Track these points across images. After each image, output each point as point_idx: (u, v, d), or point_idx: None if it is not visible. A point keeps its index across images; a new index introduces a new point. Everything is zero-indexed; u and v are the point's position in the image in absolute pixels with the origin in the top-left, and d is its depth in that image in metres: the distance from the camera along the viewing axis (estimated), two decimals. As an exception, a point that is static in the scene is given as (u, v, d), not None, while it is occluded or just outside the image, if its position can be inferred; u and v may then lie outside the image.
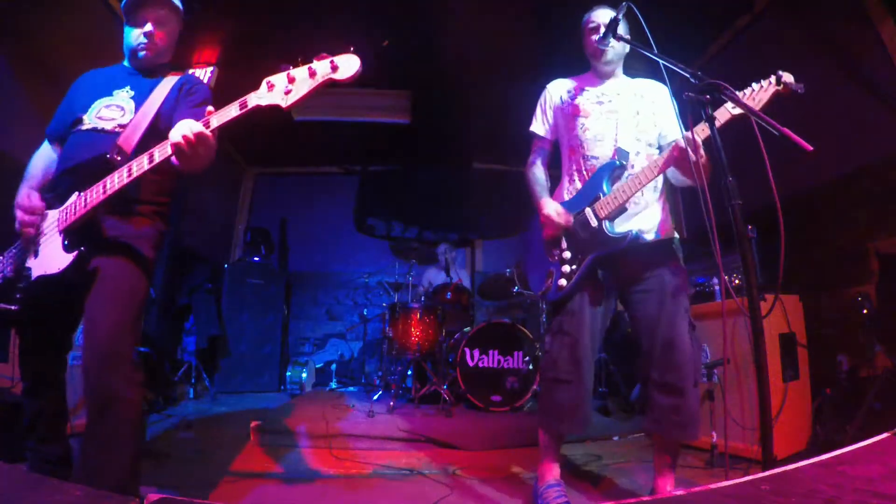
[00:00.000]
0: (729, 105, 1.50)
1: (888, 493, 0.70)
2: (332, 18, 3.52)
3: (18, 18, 2.59)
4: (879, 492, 0.71)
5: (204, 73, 3.83)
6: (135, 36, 1.61)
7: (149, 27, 1.60)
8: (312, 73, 1.21)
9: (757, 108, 1.45)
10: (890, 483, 0.76)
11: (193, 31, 3.48)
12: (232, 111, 1.27)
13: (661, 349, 1.63)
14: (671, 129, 1.86)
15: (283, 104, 1.23)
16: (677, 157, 1.55)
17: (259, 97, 1.25)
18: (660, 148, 1.87)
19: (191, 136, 1.24)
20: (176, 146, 1.25)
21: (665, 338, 1.63)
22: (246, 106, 1.26)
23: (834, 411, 2.34)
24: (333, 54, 1.22)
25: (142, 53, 1.62)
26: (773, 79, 1.49)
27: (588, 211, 1.72)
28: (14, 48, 2.60)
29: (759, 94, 1.46)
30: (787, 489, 0.76)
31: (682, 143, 1.50)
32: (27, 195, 1.50)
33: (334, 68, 1.20)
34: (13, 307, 1.40)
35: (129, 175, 1.32)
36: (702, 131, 1.46)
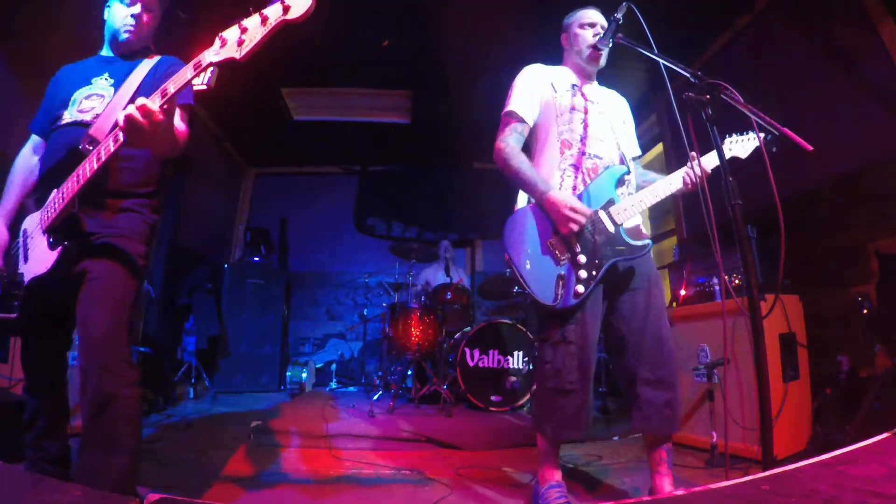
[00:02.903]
0: (731, 147, 1.70)
1: (888, 493, 0.70)
2: (333, 18, 3.52)
3: (18, 19, 2.59)
4: (879, 492, 0.71)
5: (204, 73, 3.82)
6: (122, 16, 1.58)
7: (138, 9, 1.58)
8: (264, 19, 1.12)
9: (743, 156, 1.69)
10: (890, 483, 0.76)
11: (193, 30, 3.50)
12: (187, 74, 1.20)
13: (651, 345, 1.65)
14: (634, 147, 1.96)
15: (238, 55, 1.14)
16: (688, 184, 1.67)
17: (213, 54, 1.16)
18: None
19: (135, 112, 1.18)
20: (123, 123, 1.19)
21: (654, 334, 1.65)
22: (200, 65, 1.18)
23: (834, 411, 2.34)
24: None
25: (124, 36, 1.59)
26: (761, 135, 1.55)
27: (603, 214, 1.65)
28: (14, 49, 2.61)
29: (745, 144, 1.69)
30: (787, 489, 0.76)
31: (695, 169, 1.57)
32: None
33: (286, 9, 1.10)
34: (13, 315, 1.39)
35: (99, 161, 1.28)
36: (710, 161, 1.63)
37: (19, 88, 2.62)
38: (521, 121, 1.81)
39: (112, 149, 1.26)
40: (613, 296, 1.73)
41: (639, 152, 1.97)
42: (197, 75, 1.19)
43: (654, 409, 1.63)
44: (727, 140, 1.69)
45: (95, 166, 1.29)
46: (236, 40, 1.13)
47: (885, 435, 0.96)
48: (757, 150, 1.64)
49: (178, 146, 1.41)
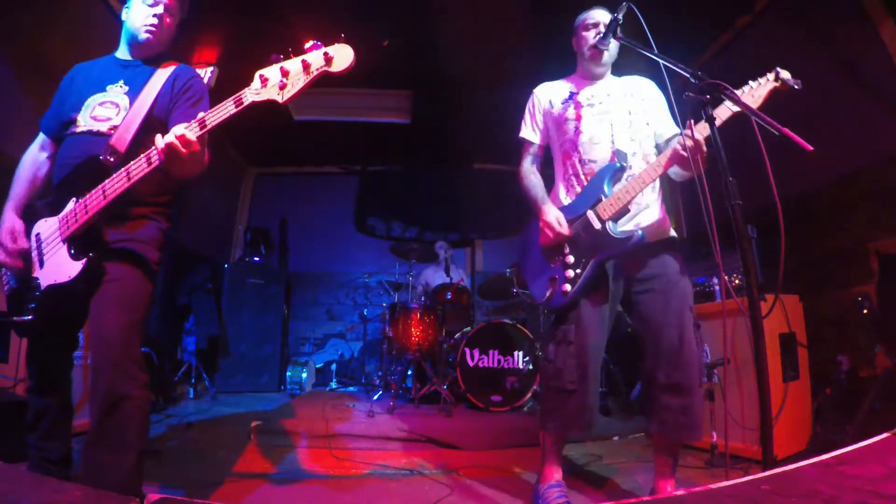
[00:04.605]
0: (729, 103, 1.50)
1: (888, 493, 0.70)
2: (332, 18, 3.53)
3: (19, 19, 2.59)
4: (879, 492, 0.71)
5: (204, 74, 3.83)
6: (143, 15, 1.56)
7: (160, 9, 1.56)
8: (306, 66, 1.17)
9: (755, 105, 1.48)
10: (890, 483, 0.76)
11: (193, 31, 3.50)
12: (228, 109, 1.23)
13: (669, 349, 1.61)
14: (665, 126, 1.86)
15: (280, 100, 1.19)
16: (681, 156, 1.52)
17: (254, 93, 1.21)
18: (657, 146, 1.86)
19: (175, 142, 1.21)
20: (161, 152, 1.22)
21: (673, 338, 1.61)
22: (241, 103, 1.22)
23: (834, 411, 2.34)
24: (324, 42, 1.17)
25: (144, 36, 1.56)
26: (770, 75, 1.50)
27: (590, 213, 1.68)
28: (14, 49, 2.61)
29: (757, 90, 1.48)
30: (787, 489, 0.76)
31: (685, 142, 1.48)
32: (9, 230, 1.47)
33: (328, 60, 1.16)
34: (28, 317, 1.39)
35: (129, 179, 1.29)
36: (703, 129, 1.46)
37: (20, 88, 2.62)
38: (531, 143, 1.98)
39: (145, 170, 1.28)
40: (631, 297, 1.74)
41: (673, 130, 1.85)
42: (238, 112, 1.23)
43: (669, 414, 1.59)
44: (726, 102, 1.49)
45: (125, 185, 1.30)
46: (278, 83, 1.19)
47: (885, 435, 0.96)
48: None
49: (204, 169, 1.42)
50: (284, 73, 1.18)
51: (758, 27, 3.37)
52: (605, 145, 1.77)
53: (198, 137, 1.24)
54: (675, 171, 1.68)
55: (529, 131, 1.97)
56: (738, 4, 3.40)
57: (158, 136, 1.23)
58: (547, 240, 1.75)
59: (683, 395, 1.58)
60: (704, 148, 1.48)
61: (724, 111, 1.48)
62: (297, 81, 1.18)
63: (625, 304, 1.78)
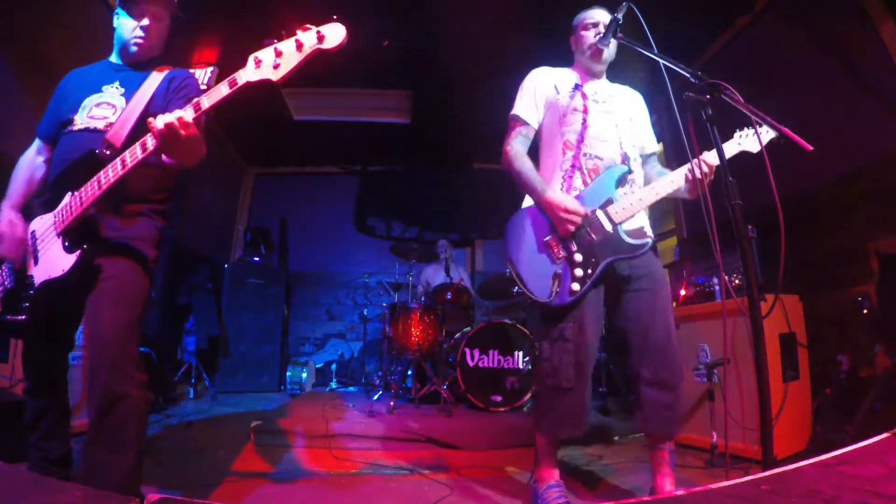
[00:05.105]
0: (742, 141, 1.65)
1: (888, 493, 0.70)
2: (332, 18, 3.52)
3: (19, 19, 2.59)
4: (879, 492, 0.71)
5: (204, 74, 3.83)
6: (130, 28, 1.58)
7: (146, 21, 1.57)
8: (300, 45, 1.18)
9: (756, 149, 1.63)
10: (890, 483, 0.76)
11: (193, 31, 3.50)
12: (222, 90, 1.23)
13: (654, 347, 1.64)
14: (650, 142, 1.93)
15: (274, 78, 1.20)
16: (693, 179, 1.62)
17: (248, 74, 1.21)
18: (640, 158, 1.89)
19: (173, 121, 1.20)
20: (159, 133, 1.21)
21: (658, 336, 1.65)
22: (235, 84, 1.22)
23: (834, 411, 2.34)
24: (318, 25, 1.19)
25: (134, 48, 1.59)
26: (771, 131, 1.56)
27: (601, 213, 1.66)
28: (14, 49, 2.61)
29: (764, 135, 1.57)
30: (787, 489, 0.76)
31: (704, 168, 1.58)
32: (7, 221, 1.48)
33: (321, 38, 1.17)
34: (21, 317, 1.39)
35: (124, 167, 1.29)
36: (713, 158, 1.57)
37: (20, 88, 2.62)
38: (525, 124, 1.86)
39: (140, 156, 1.28)
40: (618, 295, 1.73)
41: (655, 148, 1.92)
42: (233, 93, 1.23)
43: (654, 409, 1.63)
44: (737, 134, 1.65)
45: (120, 173, 1.29)
46: (272, 63, 1.19)
47: (885, 435, 0.96)
48: (763, 145, 1.55)
49: (201, 157, 1.43)
50: (278, 54, 1.19)
51: (758, 27, 3.37)
52: (613, 145, 1.77)
53: (194, 120, 1.24)
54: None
55: (528, 111, 1.86)
56: (738, 4, 3.40)
57: (160, 116, 1.22)
58: (570, 229, 1.64)
59: (668, 392, 1.63)
60: (711, 177, 1.59)
61: (734, 147, 1.63)
62: (291, 61, 1.19)
63: (612, 303, 1.76)
